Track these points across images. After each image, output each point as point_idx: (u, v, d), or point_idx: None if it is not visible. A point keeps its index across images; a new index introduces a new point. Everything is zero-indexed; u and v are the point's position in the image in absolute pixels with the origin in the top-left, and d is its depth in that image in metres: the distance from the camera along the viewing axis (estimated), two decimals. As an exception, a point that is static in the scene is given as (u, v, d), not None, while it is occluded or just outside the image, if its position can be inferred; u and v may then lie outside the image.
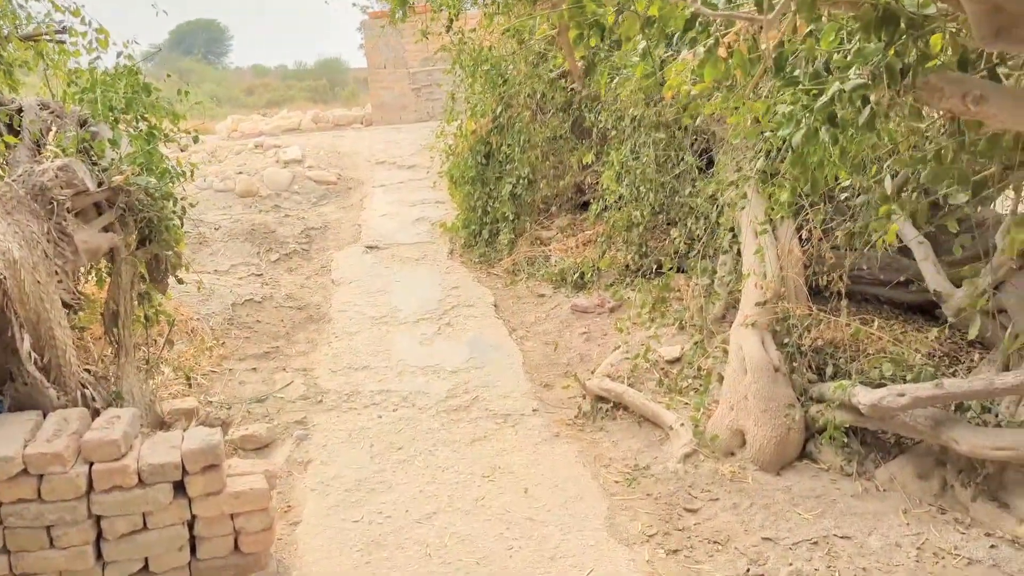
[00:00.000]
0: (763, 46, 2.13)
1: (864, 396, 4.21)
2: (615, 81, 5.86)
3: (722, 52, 2.18)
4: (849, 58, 2.39)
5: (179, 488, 3.42)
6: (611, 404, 5.32)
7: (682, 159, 5.99)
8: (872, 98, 2.33)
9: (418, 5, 8.54)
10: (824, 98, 2.43)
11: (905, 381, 4.48)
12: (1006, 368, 4.41)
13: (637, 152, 6.13)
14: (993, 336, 5.19)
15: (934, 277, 4.75)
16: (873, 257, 5.21)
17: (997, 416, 4.24)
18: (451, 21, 7.70)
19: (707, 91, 2.38)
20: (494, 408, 5.46)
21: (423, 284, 7.55)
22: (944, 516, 4.10)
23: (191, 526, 3.48)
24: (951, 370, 4.69)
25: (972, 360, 5.10)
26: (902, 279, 5.51)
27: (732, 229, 5.64)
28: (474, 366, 6.05)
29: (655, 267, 6.81)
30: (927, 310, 5.90)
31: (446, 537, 3.95)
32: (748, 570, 3.69)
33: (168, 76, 5.50)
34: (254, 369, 6.04)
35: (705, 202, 5.94)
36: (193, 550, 3.51)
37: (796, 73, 2.27)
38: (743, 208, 5.31)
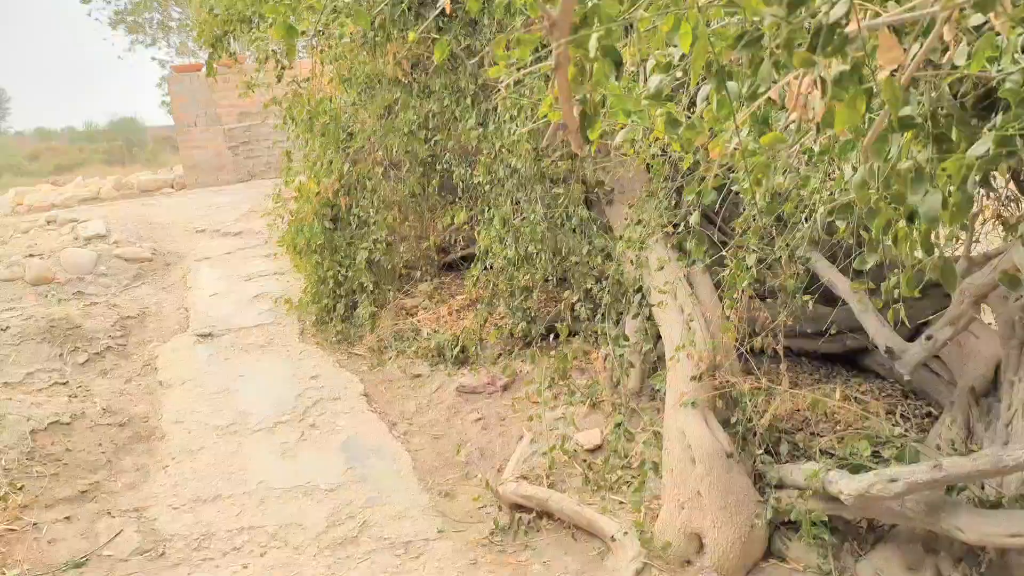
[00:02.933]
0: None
1: (846, 484, 3.57)
2: (507, 130, 5.07)
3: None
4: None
5: None
6: (533, 512, 4.44)
7: (572, 215, 5.27)
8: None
9: (239, 55, 7.48)
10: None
11: (882, 459, 3.91)
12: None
13: (523, 209, 5.35)
14: (930, 388, 4.78)
15: (880, 331, 4.25)
16: (794, 308, 4.68)
17: (983, 489, 3.76)
18: (282, 70, 6.66)
19: (775, 145, 1.61)
20: (389, 534, 4.43)
21: (274, 377, 6.37)
22: (949, 615, 3.52)
23: None
24: (919, 437, 4.17)
25: (923, 419, 4.65)
26: (821, 330, 5.05)
27: (640, 289, 4.96)
28: (354, 479, 4.98)
29: (546, 334, 6.04)
30: (847, 360, 5.48)
31: None
32: None
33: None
34: (68, 518, 4.67)
35: (603, 260, 5.24)
36: None
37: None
38: (660, 268, 4.62)
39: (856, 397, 4.87)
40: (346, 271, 7.23)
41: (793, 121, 1.52)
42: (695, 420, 4.15)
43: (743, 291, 4.28)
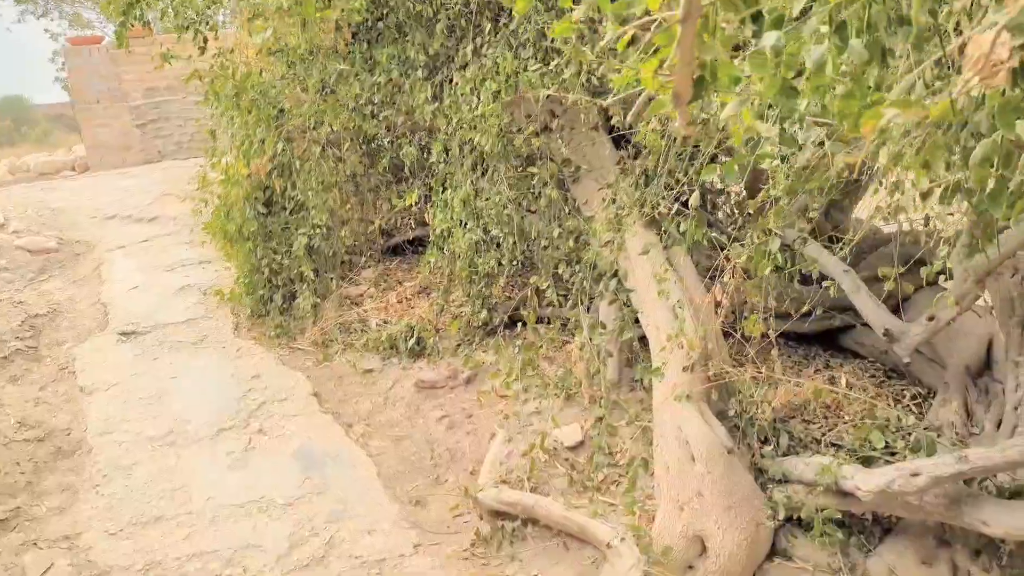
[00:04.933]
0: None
1: (864, 480, 3.36)
2: (467, 105, 4.65)
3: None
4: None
5: None
6: (516, 520, 4.10)
7: (540, 195, 4.91)
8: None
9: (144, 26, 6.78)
10: None
11: (893, 449, 3.72)
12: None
13: (486, 190, 4.96)
14: (915, 368, 4.64)
15: (877, 312, 4.05)
16: (790, 292, 4.46)
17: (995, 477, 3.60)
18: (205, 42, 6.04)
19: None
20: (360, 552, 4.04)
21: (212, 378, 5.82)
22: (970, 611, 3.36)
23: None
24: (921, 426, 3.99)
25: (912, 400, 4.50)
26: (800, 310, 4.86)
27: (616, 274, 4.65)
28: (314, 490, 4.54)
29: (510, 323, 5.68)
30: (824, 339, 5.31)
31: None
32: None
33: None
34: (-15, 553, 4.10)
35: (575, 243, 4.91)
36: None
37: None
38: (646, 252, 4.32)
39: (850, 382, 4.70)
40: (283, 259, 6.70)
41: (970, 88, 1.19)
42: (691, 414, 3.87)
43: (732, 273, 4.02)
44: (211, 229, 7.13)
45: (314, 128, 6.27)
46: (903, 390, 4.62)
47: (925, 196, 1.91)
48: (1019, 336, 3.81)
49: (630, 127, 4.55)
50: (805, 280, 4.69)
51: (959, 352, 4.25)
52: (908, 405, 4.38)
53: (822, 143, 2.89)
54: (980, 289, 3.72)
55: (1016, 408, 3.67)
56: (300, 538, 4.14)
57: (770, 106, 1.53)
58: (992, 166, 1.61)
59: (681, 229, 3.85)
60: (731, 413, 4.02)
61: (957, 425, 3.93)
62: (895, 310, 4.46)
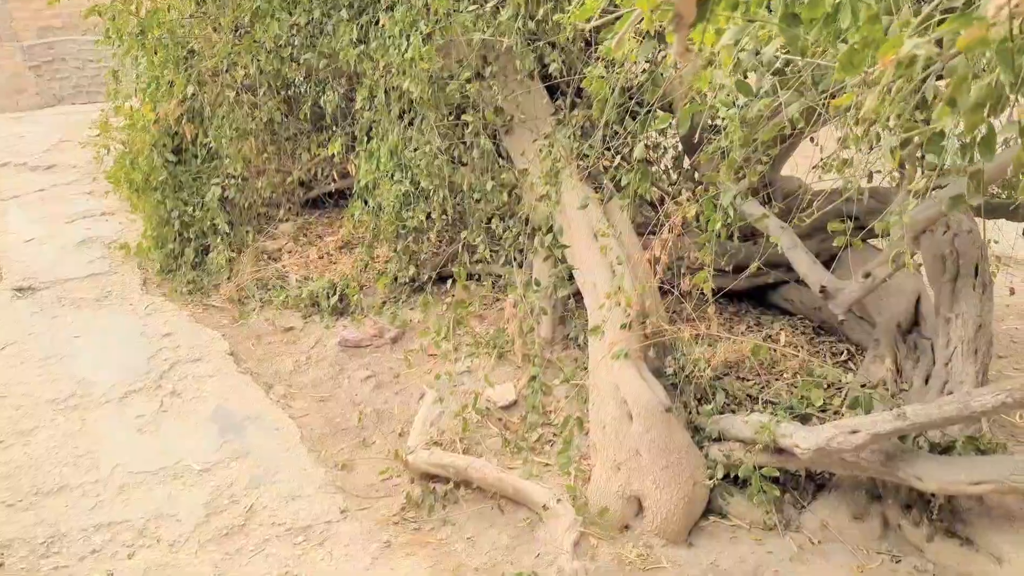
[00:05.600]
0: None
1: (803, 438, 3.33)
2: (396, 48, 4.37)
3: None
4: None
5: None
6: (449, 482, 3.96)
7: (472, 146, 4.70)
8: None
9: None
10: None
11: (828, 408, 3.71)
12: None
13: (415, 140, 4.71)
14: (849, 328, 4.66)
15: (813, 269, 4.01)
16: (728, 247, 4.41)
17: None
18: (105, -29, 5.57)
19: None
20: (284, 519, 3.84)
21: (118, 337, 5.45)
22: (901, 566, 3.41)
23: None
24: (857, 383, 3.99)
25: (841, 356, 4.52)
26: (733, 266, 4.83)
27: (551, 229, 4.50)
28: (233, 455, 4.30)
29: (437, 278, 5.49)
30: (755, 297, 5.31)
31: None
32: None
33: None
34: None
35: (508, 196, 4.73)
36: None
37: None
38: (584, 206, 4.17)
39: (788, 339, 4.70)
40: (194, 211, 6.32)
41: (1003, 16, 1.07)
42: (630, 373, 3.78)
43: (671, 229, 3.92)
44: (115, 178, 6.66)
45: (227, 71, 5.87)
46: (833, 346, 4.66)
47: (904, 145, 1.81)
48: (949, 293, 3.84)
49: (567, 75, 4.38)
50: (736, 237, 4.65)
51: (889, 309, 4.28)
52: (839, 362, 4.41)
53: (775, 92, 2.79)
54: (915, 246, 3.73)
55: (946, 364, 3.71)
56: (218, 506, 3.91)
57: (770, 38, 1.38)
58: (985, 111, 1.50)
59: (623, 183, 3.71)
60: (668, 371, 3.96)
61: (888, 381, 3.96)
62: (826, 267, 4.47)
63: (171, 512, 3.87)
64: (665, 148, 4.98)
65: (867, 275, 3.84)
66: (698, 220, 3.32)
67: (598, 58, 3.49)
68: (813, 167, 4.47)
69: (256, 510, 3.90)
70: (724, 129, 2.79)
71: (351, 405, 4.75)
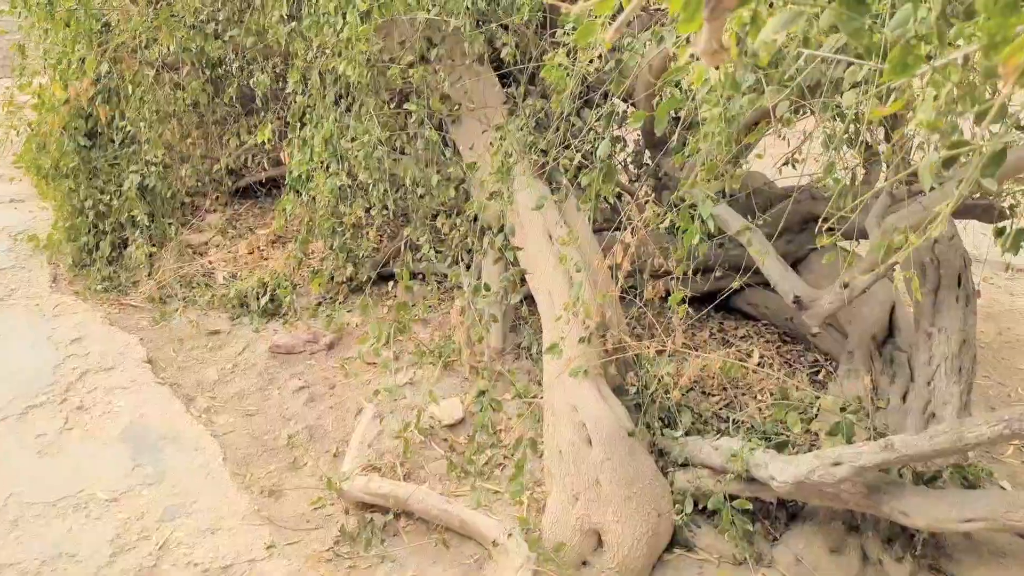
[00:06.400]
0: None
1: (780, 470, 3.03)
2: (331, 27, 3.92)
3: None
4: None
5: None
6: (388, 513, 3.57)
7: (415, 136, 4.29)
8: None
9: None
10: None
11: (807, 433, 3.41)
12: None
13: (353, 128, 4.27)
14: (818, 337, 4.39)
15: (785, 277, 3.71)
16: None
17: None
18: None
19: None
20: (201, 558, 3.40)
21: (20, 342, 4.91)
22: (882, 603, 3.14)
23: None
24: (826, 402, 3.69)
25: (811, 368, 4.24)
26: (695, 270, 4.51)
27: (502, 229, 4.12)
28: (145, 481, 3.83)
29: (376, 278, 5.07)
30: (714, 299, 5.00)
31: None
32: None
33: None
34: None
35: (455, 192, 4.34)
36: None
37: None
38: (539, 207, 3.79)
39: (734, 343, 4.41)
40: (111, 200, 5.76)
41: None
42: (588, 392, 3.44)
43: (633, 232, 3.57)
44: (23, 163, 6.06)
45: (146, 47, 5.33)
46: (800, 356, 4.38)
47: (948, 163, 1.47)
48: (931, 305, 3.58)
49: (520, 61, 3.99)
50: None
51: (862, 319, 4.01)
52: (809, 374, 4.13)
53: (759, 90, 2.44)
54: (900, 254, 3.43)
55: (929, 383, 3.44)
56: (126, 543, 3.46)
57: (833, 27, 1.02)
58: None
59: (583, 183, 3.34)
60: (630, 389, 3.62)
61: (864, 399, 3.69)
62: (793, 266, 4.20)
63: (71, 551, 3.41)
64: (624, 141, 4.62)
65: (845, 285, 3.55)
66: (672, 230, 2.97)
67: (555, 43, 3.11)
68: (781, 163, 4.18)
69: (169, 547, 3.45)
70: (700, 128, 2.43)
71: (281, 420, 4.31)
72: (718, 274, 4.30)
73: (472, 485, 3.66)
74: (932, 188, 3.23)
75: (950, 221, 3.69)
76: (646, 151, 4.67)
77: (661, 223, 2.99)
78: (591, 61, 2.80)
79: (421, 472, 3.77)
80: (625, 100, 4.50)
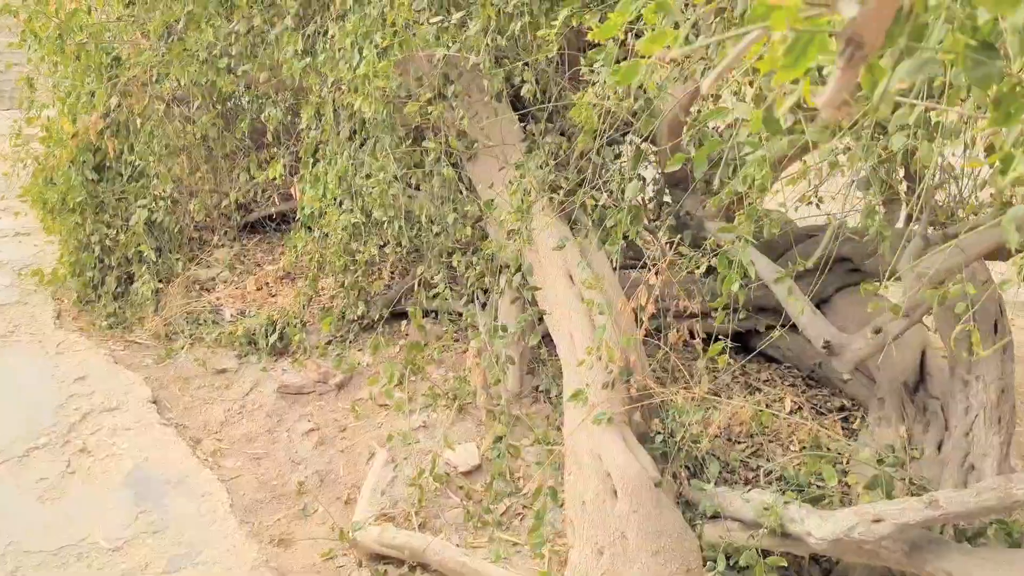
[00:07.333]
0: None
1: (818, 527, 2.89)
2: (346, 62, 3.85)
3: None
4: None
5: None
6: (402, 564, 3.43)
7: (432, 173, 4.20)
8: None
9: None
10: None
11: (839, 484, 3.28)
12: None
13: (368, 165, 4.18)
14: (854, 390, 4.26)
15: (814, 321, 3.60)
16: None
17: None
18: (18, -34, 4.94)
19: None
20: (208, 612, 3.26)
21: (22, 380, 4.78)
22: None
23: None
24: (862, 455, 3.55)
25: (838, 413, 4.11)
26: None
27: (519, 268, 4.02)
28: (150, 528, 3.69)
29: (390, 317, 4.96)
30: (736, 340, 4.88)
31: None
32: None
33: None
34: None
35: (473, 231, 4.24)
36: None
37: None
38: (561, 247, 3.69)
39: (758, 387, 4.28)
40: (118, 235, 5.67)
41: None
42: (613, 441, 3.31)
43: (658, 273, 3.46)
44: (29, 196, 5.98)
45: (157, 81, 5.27)
46: (826, 401, 4.25)
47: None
48: (966, 352, 3.45)
49: (540, 99, 3.91)
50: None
51: (893, 365, 3.88)
52: (835, 420, 4.00)
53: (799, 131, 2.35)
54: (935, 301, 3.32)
55: (967, 434, 3.31)
56: (129, 596, 3.32)
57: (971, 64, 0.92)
58: None
59: (609, 223, 3.24)
60: (657, 437, 3.49)
61: (897, 448, 3.55)
62: (817, 306, 4.08)
63: (71, 605, 3.26)
64: (644, 179, 4.53)
65: (877, 331, 3.43)
66: (708, 274, 2.86)
67: (575, 80, 3.03)
68: (803, 201, 4.09)
69: (174, 601, 3.31)
70: (725, 166, 2.33)
71: (290, 465, 4.18)
72: (741, 315, 4.18)
73: (490, 536, 3.52)
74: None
75: (983, 265, 3.58)
76: (666, 190, 4.57)
77: (696, 268, 2.88)
78: (621, 100, 2.71)
79: (437, 521, 3.63)
80: (644, 138, 4.43)
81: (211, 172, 5.82)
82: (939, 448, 3.53)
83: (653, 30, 1.58)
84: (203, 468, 4.14)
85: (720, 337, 3.02)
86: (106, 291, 5.64)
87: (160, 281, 5.65)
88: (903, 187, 3.85)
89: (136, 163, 5.53)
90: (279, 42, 4.51)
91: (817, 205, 4.10)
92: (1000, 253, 3.65)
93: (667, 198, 4.54)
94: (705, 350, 3.94)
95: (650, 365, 3.78)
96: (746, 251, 2.46)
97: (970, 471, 3.25)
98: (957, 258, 3.17)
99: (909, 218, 3.83)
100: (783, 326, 4.41)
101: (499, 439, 3.85)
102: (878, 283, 2.76)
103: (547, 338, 4.08)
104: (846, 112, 0.70)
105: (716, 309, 2.88)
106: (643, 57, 1.38)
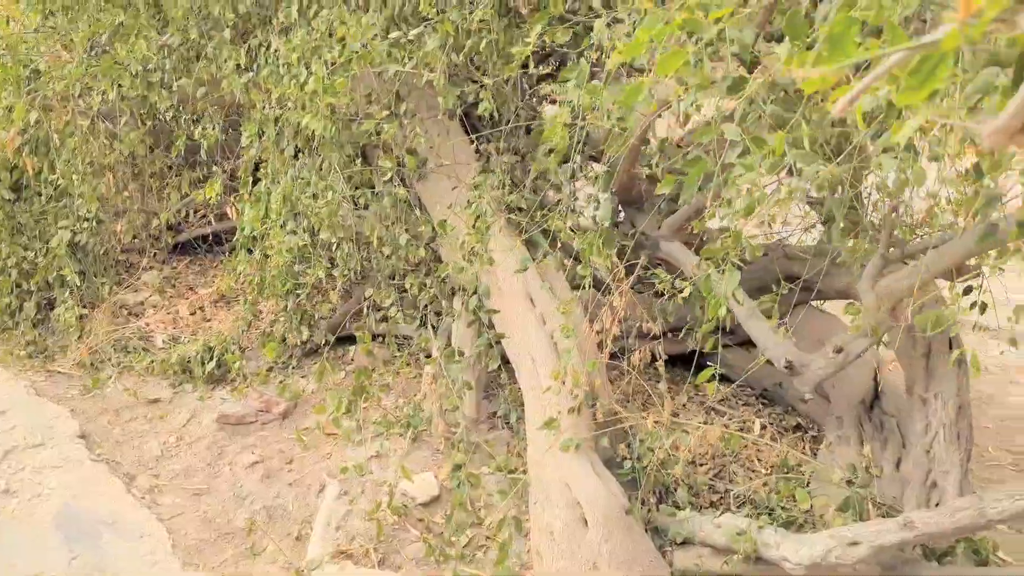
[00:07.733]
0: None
1: (794, 552, 2.86)
2: (293, 78, 3.69)
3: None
4: None
5: None
6: (362, 605, 3.26)
7: (382, 194, 4.06)
8: None
9: None
10: None
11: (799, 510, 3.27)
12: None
13: (314, 185, 4.02)
14: (789, 395, 4.29)
15: (775, 341, 3.59)
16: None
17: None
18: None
19: None
20: (152, 666, 3.02)
21: (-66, 416, 4.42)
22: None
23: None
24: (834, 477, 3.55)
25: (793, 432, 4.13)
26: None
27: (475, 291, 3.91)
28: (85, 573, 3.42)
29: (332, 340, 4.77)
30: (687, 360, 4.88)
31: None
32: None
33: None
34: None
35: (426, 252, 4.12)
36: None
37: None
38: (523, 269, 3.60)
39: (714, 407, 4.28)
40: (36, 257, 5.33)
41: None
42: (582, 468, 3.22)
43: (621, 295, 3.41)
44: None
45: (80, 96, 4.98)
46: (781, 420, 4.27)
47: None
48: (923, 370, 3.51)
49: (496, 117, 3.83)
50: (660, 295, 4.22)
51: (848, 383, 3.92)
52: (796, 439, 4.01)
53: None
54: (895, 319, 3.36)
55: (928, 452, 3.34)
56: (63, 652, 3.05)
57: None
58: None
59: (577, 246, 3.18)
60: (625, 463, 3.42)
61: (858, 467, 3.57)
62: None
63: (-2, 665, 2.99)
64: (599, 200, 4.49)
65: (839, 349, 3.45)
66: (663, 296, 2.82)
67: (550, 100, 2.96)
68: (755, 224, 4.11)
69: (114, 655, 3.06)
70: (724, 190, 2.29)
71: (235, 500, 3.95)
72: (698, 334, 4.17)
73: (453, 571, 3.38)
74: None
75: (934, 282, 3.65)
76: (619, 209, 4.54)
77: (675, 289, 2.84)
78: (597, 120, 2.65)
79: (396, 558, 3.47)
80: (594, 159, 4.39)
81: (139, 191, 5.54)
82: (897, 466, 3.57)
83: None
84: (139, 507, 3.87)
85: (709, 363, 2.97)
86: (24, 318, 5.28)
87: (84, 307, 5.32)
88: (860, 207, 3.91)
89: (57, 182, 5.20)
90: (217, 56, 4.32)
91: (769, 224, 4.13)
92: (961, 271, 3.73)
93: (620, 217, 4.50)
94: (651, 366, 3.93)
95: (614, 389, 3.72)
96: (733, 276, 2.42)
97: (932, 488, 3.28)
98: (913, 277, 3.21)
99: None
100: (739, 345, 4.45)
101: (458, 467, 3.71)
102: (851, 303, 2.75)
103: (506, 362, 3.99)
104: (1021, 140, 0.64)
105: (690, 330, 2.83)
106: (645, 75, 1.31)
